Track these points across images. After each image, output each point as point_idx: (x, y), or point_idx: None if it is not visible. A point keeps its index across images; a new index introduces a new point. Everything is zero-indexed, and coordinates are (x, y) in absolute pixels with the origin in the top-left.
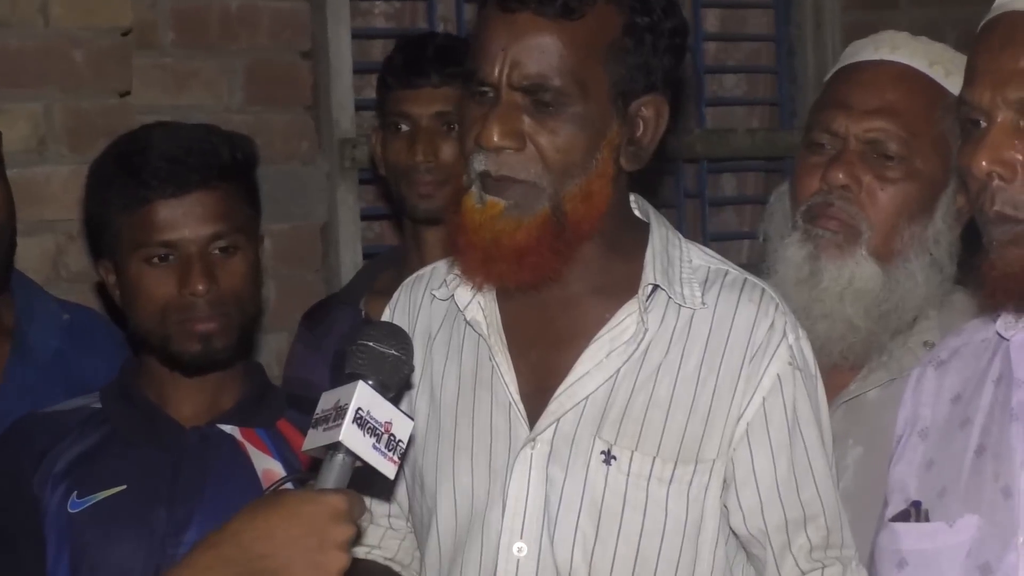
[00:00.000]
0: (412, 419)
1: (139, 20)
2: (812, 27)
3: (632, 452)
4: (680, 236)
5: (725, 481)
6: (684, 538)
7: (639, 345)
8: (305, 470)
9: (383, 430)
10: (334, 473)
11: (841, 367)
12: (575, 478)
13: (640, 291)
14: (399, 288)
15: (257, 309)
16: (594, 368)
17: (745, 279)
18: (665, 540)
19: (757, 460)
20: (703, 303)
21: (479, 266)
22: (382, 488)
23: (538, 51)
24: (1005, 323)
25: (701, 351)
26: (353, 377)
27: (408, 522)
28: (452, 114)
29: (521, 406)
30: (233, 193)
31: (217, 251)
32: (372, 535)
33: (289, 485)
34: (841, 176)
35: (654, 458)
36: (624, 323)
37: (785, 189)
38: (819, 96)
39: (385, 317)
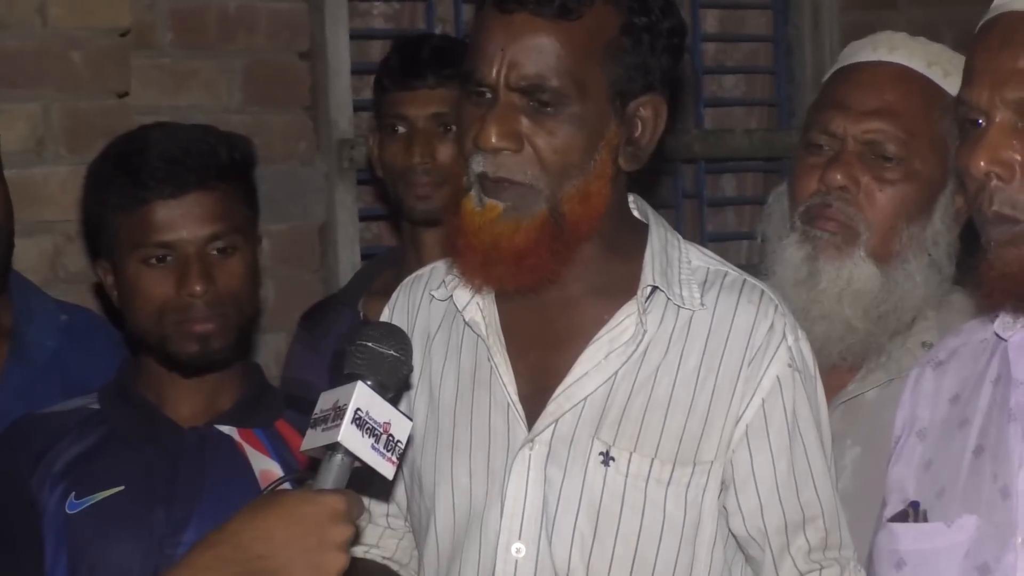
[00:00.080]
0: (411, 419)
1: (137, 21)
2: (810, 27)
3: (630, 453)
4: (679, 237)
5: (724, 483)
6: (682, 539)
7: (638, 346)
8: (303, 470)
9: (382, 430)
10: (333, 473)
11: (839, 368)
12: (573, 479)
13: (639, 292)
14: (398, 288)
15: (255, 310)
16: (593, 369)
17: (744, 280)
18: (663, 541)
19: (757, 462)
20: (702, 304)
21: (478, 268)
22: (380, 488)
23: (536, 52)
24: (1003, 323)
25: (700, 352)
26: (352, 377)
27: (406, 521)
28: (449, 115)
29: (520, 407)
30: (231, 194)
31: (215, 252)
32: (370, 534)
33: (287, 485)
34: (839, 177)
35: (652, 459)
36: (623, 324)
37: (783, 190)
38: (817, 97)
39: (384, 317)
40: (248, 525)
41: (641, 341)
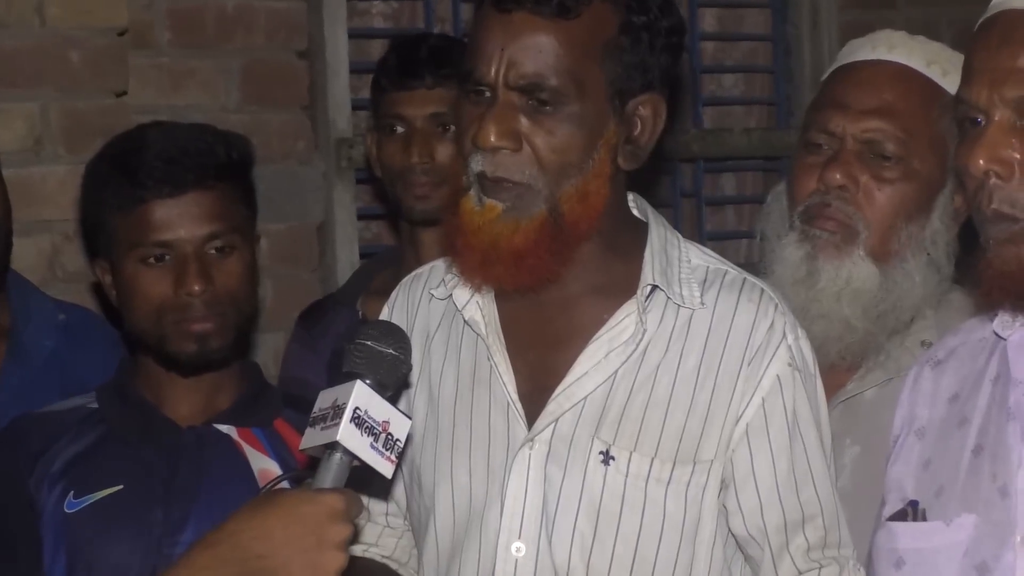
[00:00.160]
0: (410, 418)
1: (135, 20)
2: (809, 26)
3: (630, 452)
4: (679, 236)
5: (724, 482)
6: (682, 538)
7: (638, 345)
8: (302, 469)
9: (381, 429)
10: (331, 472)
11: (838, 367)
12: (573, 478)
13: (639, 291)
14: (397, 287)
15: (253, 309)
16: (592, 368)
17: (744, 279)
18: (663, 540)
19: (757, 461)
20: (702, 303)
21: (478, 268)
22: (379, 486)
23: (535, 50)
24: (1002, 322)
25: (700, 351)
26: (351, 376)
27: (405, 520)
28: (447, 115)
29: (519, 406)
30: (229, 193)
31: (213, 251)
32: (369, 533)
33: (286, 484)
34: (838, 176)
35: (652, 458)
36: (623, 323)
37: (782, 189)
38: (816, 96)
39: (383, 316)
40: (247, 524)
41: (641, 340)
